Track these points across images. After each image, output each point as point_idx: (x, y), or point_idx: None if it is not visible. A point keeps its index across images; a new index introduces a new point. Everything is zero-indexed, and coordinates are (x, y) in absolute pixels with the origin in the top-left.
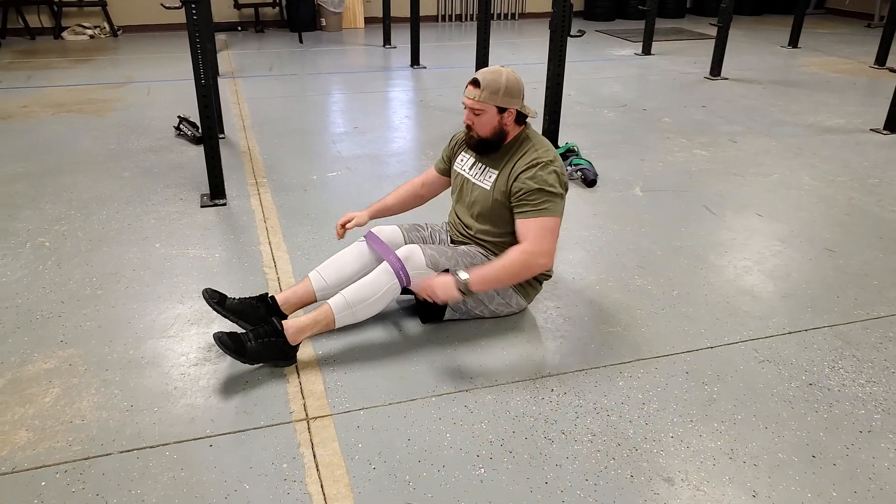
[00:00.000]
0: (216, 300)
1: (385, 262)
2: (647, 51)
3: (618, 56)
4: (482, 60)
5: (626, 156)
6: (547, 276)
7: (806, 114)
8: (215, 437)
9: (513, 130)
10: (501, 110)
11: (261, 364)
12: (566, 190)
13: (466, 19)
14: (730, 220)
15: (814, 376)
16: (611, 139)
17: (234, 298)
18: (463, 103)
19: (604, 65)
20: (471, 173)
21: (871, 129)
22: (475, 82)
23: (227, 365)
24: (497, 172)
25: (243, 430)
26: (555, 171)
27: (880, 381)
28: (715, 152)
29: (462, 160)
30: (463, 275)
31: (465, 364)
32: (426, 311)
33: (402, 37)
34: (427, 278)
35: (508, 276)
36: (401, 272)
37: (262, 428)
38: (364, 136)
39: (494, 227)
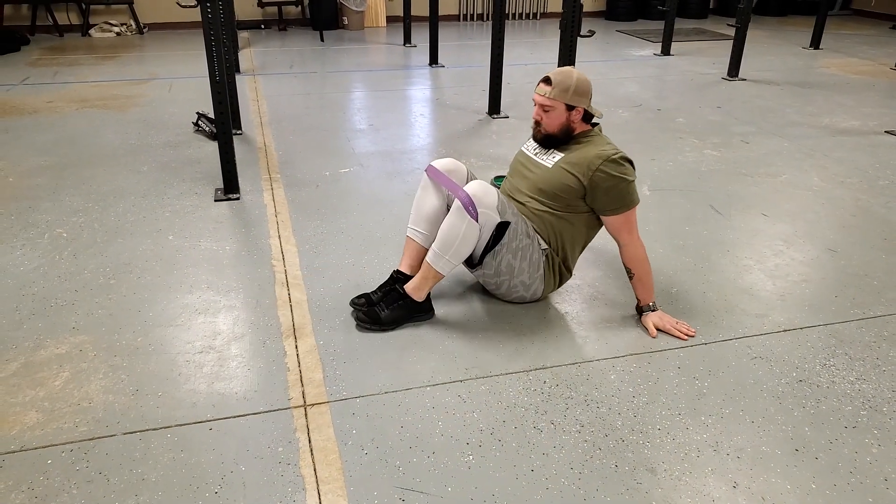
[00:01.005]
0: (363, 303)
1: (456, 199)
2: (666, 51)
3: (637, 56)
4: (497, 60)
5: (636, 155)
6: (569, 273)
7: (821, 115)
8: (215, 422)
9: (579, 127)
10: (570, 108)
11: (400, 326)
12: (634, 167)
13: (488, 19)
14: (735, 219)
15: (804, 373)
16: (623, 139)
17: (375, 292)
18: (533, 100)
19: (622, 65)
20: (535, 153)
21: (885, 132)
22: (547, 80)
23: (231, 353)
24: (562, 155)
25: (242, 416)
26: (624, 159)
27: (870, 379)
28: (726, 153)
29: (529, 144)
30: (649, 307)
31: (461, 356)
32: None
33: (423, 36)
34: (655, 324)
35: (648, 272)
36: (469, 207)
37: (260, 413)
38: (378, 133)
39: (546, 199)
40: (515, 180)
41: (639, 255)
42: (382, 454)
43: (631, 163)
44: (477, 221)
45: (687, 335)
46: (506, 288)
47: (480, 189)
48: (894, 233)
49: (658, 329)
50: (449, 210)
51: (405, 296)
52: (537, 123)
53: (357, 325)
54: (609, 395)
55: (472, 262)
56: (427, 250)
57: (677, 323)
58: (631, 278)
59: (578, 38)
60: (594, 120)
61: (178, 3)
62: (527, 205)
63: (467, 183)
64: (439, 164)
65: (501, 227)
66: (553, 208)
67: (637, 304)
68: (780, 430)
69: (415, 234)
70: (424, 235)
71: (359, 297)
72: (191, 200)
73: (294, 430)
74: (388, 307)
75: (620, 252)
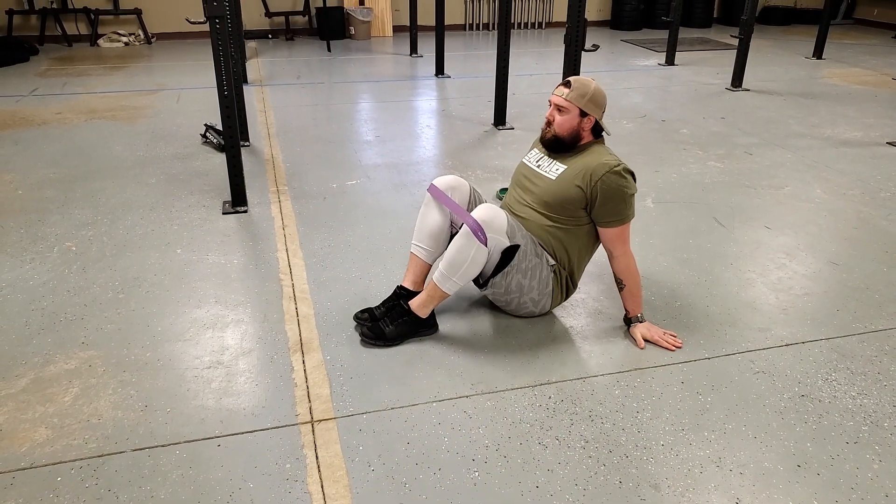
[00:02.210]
0: (367, 318)
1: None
2: (670, 61)
3: (641, 66)
4: (503, 70)
5: (640, 167)
6: (574, 287)
7: (823, 126)
8: (223, 438)
9: (586, 138)
10: (583, 114)
11: (405, 341)
12: (636, 180)
13: (493, 28)
14: (738, 232)
15: (807, 388)
16: (626, 150)
17: (379, 307)
18: (549, 101)
19: (627, 75)
20: (537, 164)
21: (887, 143)
22: (567, 83)
23: (239, 369)
24: (565, 167)
25: (250, 432)
26: (627, 171)
27: (871, 394)
28: (729, 164)
29: (531, 155)
30: (637, 318)
31: (467, 371)
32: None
33: (429, 45)
34: (644, 335)
35: (637, 284)
36: (479, 233)
37: (268, 429)
38: (385, 144)
39: (552, 213)
40: (519, 193)
41: (630, 266)
42: (389, 470)
43: (633, 175)
44: (486, 246)
45: (674, 346)
46: (515, 305)
47: (489, 214)
48: None
49: (646, 340)
50: (452, 225)
51: (410, 312)
52: (548, 123)
53: (361, 340)
54: (613, 411)
55: (480, 282)
56: (430, 266)
57: (664, 333)
58: (621, 290)
59: (583, 52)
60: (601, 135)
61: (187, 20)
62: (532, 219)
63: (469, 199)
64: (442, 182)
65: (511, 249)
66: (559, 222)
67: (625, 316)
68: (782, 445)
69: (418, 250)
70: (428, 252)
71: (362, 311)
72: (199, 213)
73: (301, 446)
74: (392, 323)
75: (611, 263)
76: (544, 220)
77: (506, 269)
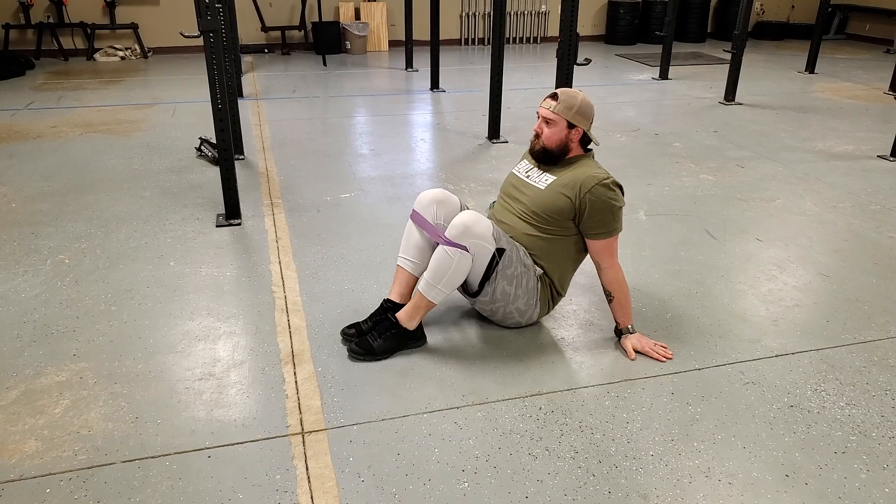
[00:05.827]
0: (354, 334)
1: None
2: (664, 75)
3: (635, 80)
4: (496, 86)
5: (633, 180)
6: (561, 295)
7: (815, 140)
8: (214, 449)
9: (575, 150)
10: (570, 126)
11: (394, 354)
12: (624, 193)
13: (488, 42)
14: (729, 244)
15: (796, 398)
16: (620, 163)
17: (366, 321)
18: (538, 113)
19: (621, 89)
20: (526, 175)
21: (878, 156)
22: (554, 96)
23: (230, 380)
24: (555, 178)
25: (241, 443)
26: (616, 185)
27: (860, 404)
28: (722, 177)
29: (520, 166)
30: (627, 329)
31: (457, 382)
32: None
33: (424, 60)
34: (634, 347)
35: (626, 295)
36: (453, 246)
37: (258, 441)
38: (379, 158)
39: (540, 223)
40: (507, 203)
41: (618, 278)
42: (379, 481)
43: (621, 189)
44: (468, 251)
45: (665, 357)
46: (501, 314)
47: (472, 219)
48: (885, 257)
49: (637, 351)
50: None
51: (397, 324)
52: (537, 136)
53: (349, 356)
54: (603, 421)
55: (469, 291)
56: (417, 279)
57: (655, 345)
58: (610, 301)
59: (575, 66)
60: (590, 146)
61: (181, 34)
62: (518, 228)
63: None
64: (428, 195)
65: (497, 254)
66: (545, 232)
67: (616, 327)
68: (770, 455)
69: (405, 262)
70: (415, 264)
71: (349, 326)
72: (192, 226)
73: (292, 457)
74: (380, 336)
75: (599, 275)
76: (531, 230)
77: (492, 276)
